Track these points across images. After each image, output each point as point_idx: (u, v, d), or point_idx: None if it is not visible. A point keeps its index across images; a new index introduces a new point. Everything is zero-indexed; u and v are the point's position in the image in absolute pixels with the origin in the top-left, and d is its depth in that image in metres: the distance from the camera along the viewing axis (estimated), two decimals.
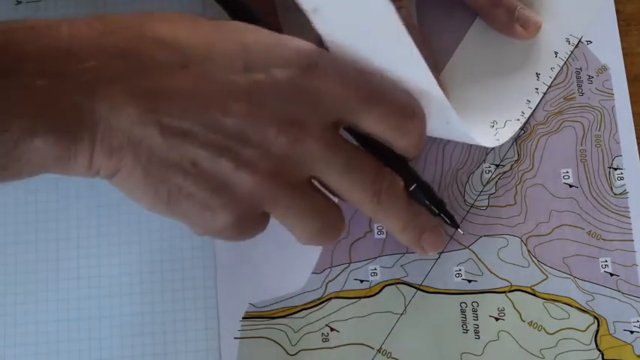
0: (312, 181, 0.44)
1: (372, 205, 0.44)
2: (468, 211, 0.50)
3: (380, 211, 0.45)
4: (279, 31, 0.45)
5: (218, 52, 0.41)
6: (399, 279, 0.49)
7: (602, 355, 0.47)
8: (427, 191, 0.47)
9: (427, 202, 0.47)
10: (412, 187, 0.46)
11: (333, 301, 0.49)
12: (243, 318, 0.49)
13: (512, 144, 0.51)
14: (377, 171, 0.44)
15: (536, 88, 0.52)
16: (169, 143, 0.40)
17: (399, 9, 0.52)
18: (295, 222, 0.44)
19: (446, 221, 0.48)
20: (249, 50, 0.42)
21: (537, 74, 0.52)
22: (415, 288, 0.49)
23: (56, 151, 0.39)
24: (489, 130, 0.51)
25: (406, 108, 0.44)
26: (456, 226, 0.48)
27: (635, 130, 0.52)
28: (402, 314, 0.49)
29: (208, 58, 0.41)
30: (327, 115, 0.42)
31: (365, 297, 0.49)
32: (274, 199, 0.42)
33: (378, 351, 0.48)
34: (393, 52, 0.42)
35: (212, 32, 0.42)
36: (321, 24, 0.42)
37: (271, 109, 0.41)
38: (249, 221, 0.43)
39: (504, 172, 0.51)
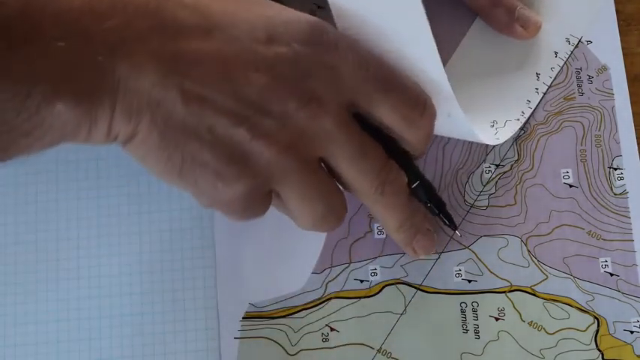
0: (321, 163, 0.44)
1: (375, 196, 0.44)
2: (468, 211, 0.50)
3: (381, 203, 0.45)
4: None
5: (241, 20, 0.41)
6: (399, 279, 0.49)
7: (602, 355, 0.47)
8: (429, 190, 0.47)
9: (427, 202, 0.47)
10: (415, 184, 0.46)
11: (333, 301, 0.49)
12: (243, 318, 0.49)
13: (512, 144, 0.51)
14: (385, 161, 0.44)
15: (536, 88, 0.52)
16: (188, 108, 0.40)
17: None
18: (300, 202, 0.43)
19: (445, 222, 0.48)
20: (272, 22, 0.41)
21: (537, 74, 0.52)
22: (415, 288, 0.49)
23: (76, 115, 0.38)
24: (489, 129, 0.51)
25: (419, 101, 0.44)
26: (455, 228, 0.48)
27: (635, 130, 0.52)
28: (402, 314, 0.49)
29: (232, 25, 0.41)
30: (343, 95, 0.42)
31: (365, 297, 0.49)
32: (287, 174, 0.42)
33: (378, 351, 0.48)
34: (405, 35, 0.42)
35: (233, 2, 0.42)
36: (337, 4, 0.42)
37: (292, 82, 0.41)
38: (257, 197, 0.43)
39: (504, 172, 0.51)
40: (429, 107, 0.44)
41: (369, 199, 0.45)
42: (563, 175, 0.51)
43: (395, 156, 0.45)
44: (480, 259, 0.49)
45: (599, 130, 0.51)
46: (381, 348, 0.48)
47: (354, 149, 0.43)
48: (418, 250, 0.48)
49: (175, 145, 0.40)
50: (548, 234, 0.50)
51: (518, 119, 0.51)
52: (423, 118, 0.44)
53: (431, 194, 0.47)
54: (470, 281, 0.49)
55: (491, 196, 0.51)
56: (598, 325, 0.48)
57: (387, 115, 0.43)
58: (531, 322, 0.48)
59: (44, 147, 0.40)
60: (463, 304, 0.49)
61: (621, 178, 0.51)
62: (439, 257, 0.50)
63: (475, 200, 0.51)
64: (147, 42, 0.39)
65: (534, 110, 0.52)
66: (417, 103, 0.44)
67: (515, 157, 0.51)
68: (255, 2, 0.43)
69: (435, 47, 0.41)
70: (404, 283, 0.49)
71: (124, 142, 0.41)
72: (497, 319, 0.48)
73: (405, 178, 0.45)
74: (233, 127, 0.40)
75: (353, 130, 0.43)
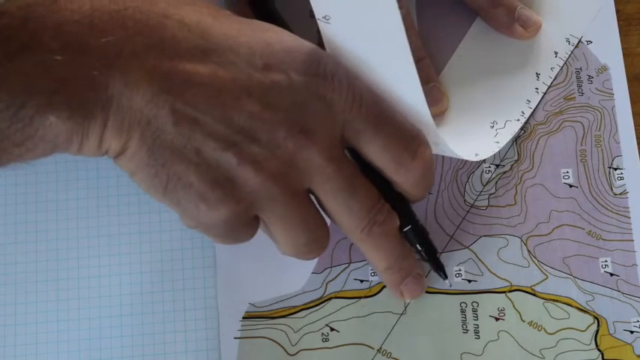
0: (309, 195, 0.43)
1: (361, 235, 0.44)
2: (468, 211, 0.50)
3: (367, 243, 0.44)
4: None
5: (240, 44, 0.41)
6: None
7: (602, 355, 0.47)
8: (420, 235, 0.46)
9: (418, 247, 0.46)
10: (407, 228, 0.45)
11: (333, 301, 0.49)
12: (243, 318, 0.49)
13: (512, 144, 0.51)
14: (375, 202, 0.43)
15: (536, 88, 0.52)
16: (178, 128, 0.40)
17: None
18: (284, 231, 0.43)
19: (435, 270, 0.48)
20: (271, 49, 0.41)
21: (537, 74, 0.52)
22: None
23: (69, 128, 0.38)
24: (489, 130, 0.51)
25: (411, 144, 0.43)
26: (445, 277, 0.48)
27: (635, 130, 0.52)
28: (402, 314, 0.49)
29: (230, 49, 0.41)
30: (335, 129, 0.42)
31: (365, 297, 0.49)
32: (271, 202, 0.42)
33: (378, 351, 0.48)
34: (395, 70, 0.42)
35: (236, 25, 0.42)
36: (330, 34, 0.42)
37: (283, 111, 0.41)
38: (241, 222, 0.42)
39: (504, 172, 0.51)
40: (422, 152, 0.43)
41: (356, 238, 0.44)
42: (563, 175, 0.51)
43: (389, 197, 0.44)
44: (480, 259, 0.49)
45: (599, 130, 0.51)
46: (381, 348, 0.48)
47: (343, 185, 0.42)
48: (405, 294, 0.48)
49: (162, 163, 0.40)
50: (548, 234, 0.50)
51: (518, 119, 0.51)
52: (414, 161, 0.43)
53: (422, 240, 0.46)
54: (470, 281, 0.49)
55: (491, 196, 0.51)
56: (598, 325, 0.48)
57: (377, 155, 0.43)
58: (531, 322, 0.48)
59: (36, 157, 0.40)
60: (463, 304, 0.49)
61: (621, 178, 0.51)
62: (439, 257, 0.49)
63: (475, 200, 0.51)
64: (143, 59, 0.39)
65: (534, 110, 0.52)
66: (409, 146, 0.43)
67: (515, 157, 0.51)
68: (257, 27, 0.42)
69: (420, 85, 0.41)
70: None
71: (115, 157, 0.41)
72: (497, 319, 0.48)
73: (396, 220, 0.45)
74: (220, 151, 0.40)
75: (343, 165, 0.42)
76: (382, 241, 0.44)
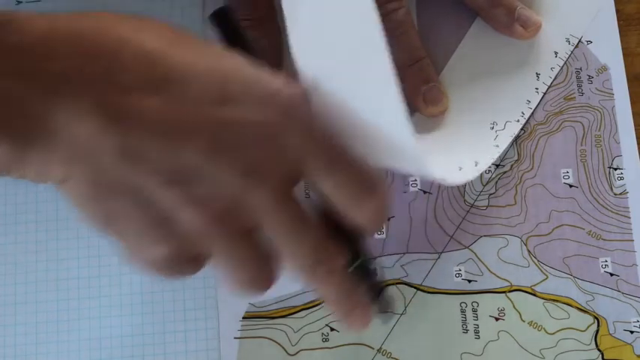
0: (256, 233, 0.42)
1: (307, 274, 0.43)
2: (468, 211, 0.50)
3: (314, 281, 0.43)
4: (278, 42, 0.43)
5: (197, 76, 0.39)
6: (399, 279, 0.49)
7: (602, 355, 0.47)
8: (367, 273, 0.45)
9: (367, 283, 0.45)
10: (354, 265, 0.44)
11: None
12: (243, 318, 0.49)
13: (512, 144, 0.51)
14: (319, 241, 0.42)
15: (536, 88, 0.52)
16: (122, 163, 0.38)
17: (398, 9, 0.52)
18: (227, 270, 0.42)
19: (379, 309, 0.46)
20: (230, 81, 0.40)
21: (537, 74, 0.52)
22: (415, 288, 0.49)
23: (7, 157, 0.37)
24: (489, 132, 0.51)
25: (367, 183, 0.42)
26: (391, 314, 0.47)
27: (635, 130, 0.52)
28: (402, 314, 0.49)
29: (185, 81, 0.39)
30: (287, 169, 0.40)
31: None
32: (214, 242, 0.40)
33: (378, 351, 0.48)
34: (378, 100, 0.40)
35: (196, 53, 0.40)
36: (297, 39, 0.41)
37: (235, 150, 0.39)
38: (183, 260, 0.41)
39: (504, 172, 0.51)
40: (378, 192, 0.42)
41: (302, 276, 0.43)
42: (563, 175, 0.51)
43: (343, 231, 0.43)
44: (480, 259, 0.49)
45: (599, 130, 0.51)
46: (381, 348, 0.48)
47: (289, 227, 0.41)
48: (351, 325, 0.46)
49: (103, 198, 0.39)
50: (548, 234, 0.50)
51: (518, 120, 0.51)
52: (370, 199, 0.42)
53: (369, 278, 0.45)
54: (470, 281, 0.49)
55: (491, 196, 0.51)
56: (598, 325, 0.48)
57: (331, 192, 0.41)
58: (531, 322, 0.48)
59: None
60: (463, 304, 0.49)
61: (621, 178, 0.51)
62: (439, 257, 0.50)
63: (475, 200, 0.51)
64: (93, 89, 0.37)
65: (534, 110, 0.52)
66: (363, 184, 0.42)
67: (515, 157, 0.51)
68: (220, 55, 0.41)
69: (404, 110, 0.39)
70: (404, 283, 0.49)
71: (57, 184, 0.39)
72: (497, 319, 0.48)
73: (341, 259, 0.43)
74: (163, 190, 0.38)
75: (289, 205, 0.41)
76: (327, 279, 0.43)
